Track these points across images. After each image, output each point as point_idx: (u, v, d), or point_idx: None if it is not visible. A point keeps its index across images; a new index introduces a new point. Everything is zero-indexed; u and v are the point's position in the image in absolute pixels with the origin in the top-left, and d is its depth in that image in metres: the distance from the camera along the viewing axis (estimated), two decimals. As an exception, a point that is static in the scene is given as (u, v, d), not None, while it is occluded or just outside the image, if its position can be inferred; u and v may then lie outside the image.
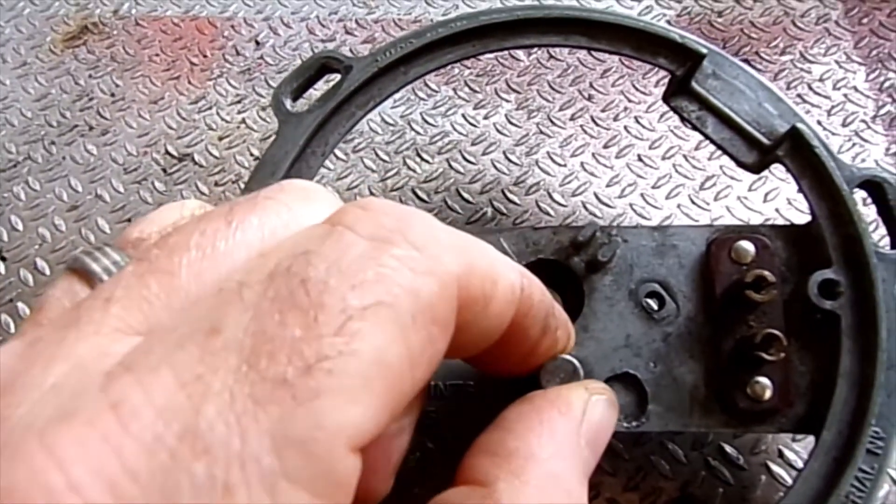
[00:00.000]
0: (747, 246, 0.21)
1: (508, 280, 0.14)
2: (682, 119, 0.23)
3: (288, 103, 0.25)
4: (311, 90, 0.28)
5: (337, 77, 0.26)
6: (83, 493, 0.09)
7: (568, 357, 0.19)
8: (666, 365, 0.21)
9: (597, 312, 0.22)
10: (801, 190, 0.21)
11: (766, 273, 0.20)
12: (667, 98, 0.23)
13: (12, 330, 0.32)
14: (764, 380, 0.20)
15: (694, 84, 0.22)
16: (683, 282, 0.22)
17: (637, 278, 0.22)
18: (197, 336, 0.10)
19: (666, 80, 0.38)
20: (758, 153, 0.22)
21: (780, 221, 0.32)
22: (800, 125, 0.21)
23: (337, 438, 0.10)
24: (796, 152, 0.21)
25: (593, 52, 0.38)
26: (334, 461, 0.10)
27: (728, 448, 0.26)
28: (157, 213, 0.15)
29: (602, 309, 0.22)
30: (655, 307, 0.22)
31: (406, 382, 0.11)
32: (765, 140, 0.22)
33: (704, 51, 0.22)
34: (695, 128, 0.23)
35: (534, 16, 0.23)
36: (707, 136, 0.23)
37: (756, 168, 0.22)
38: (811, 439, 0.21)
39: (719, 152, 0.35)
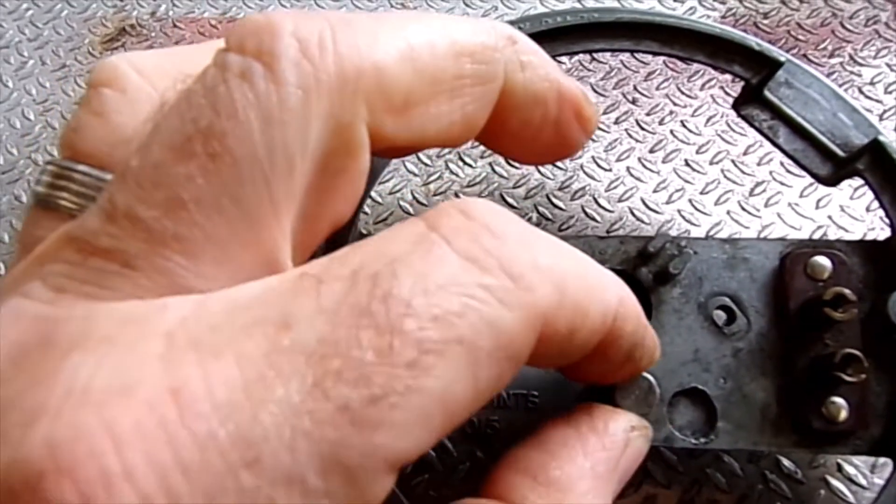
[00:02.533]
0: (824, 261, 0.20)
1: (601, 309, 0.13)
2: (754, 128, 0.22)
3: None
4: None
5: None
6: (136, 481, 0.08)
7: (644, 374, 0.19)
8: (736, 381, 0.21)
9: (665, 325, 0.21)
10: (881, 204, 0.21)
11: (847, 291, 0.19)
12: (737, 106, 0.23)
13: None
14: (840, 400, 0.20)
15: (766, 92, 0.22)
16: (755, 296, 0.21)
17: (707, 291, 0.21)
18: (266, 326, 0.10)
19: (711, 84, 0.37)
20: (832, 165, 0.22)
21: (833, 229, 0.31)
22: (881, 138, 0.21)
23: (384, 466, 0.10)
24: (877, 165, 0.21)
25: (637, 55, 0.38)
26: (376, 485, 0.10)
27: (785, 462, 0.26)
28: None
29: (670, 322, 0.21)
30: (725, 321, 0.21)
31: (466, 414, 0.11)
32: (840, 152, 0.22)
33: (782, 59, 0.22)
34: (766, 137, 0.22)
35: (605, 20, 0.22)
36: (779, 147, 0.22)
37: (831, 181, 0.22)
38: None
39: (768, 157, 0.34)
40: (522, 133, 0.15)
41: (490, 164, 0.35)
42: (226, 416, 0.09)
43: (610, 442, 0.16)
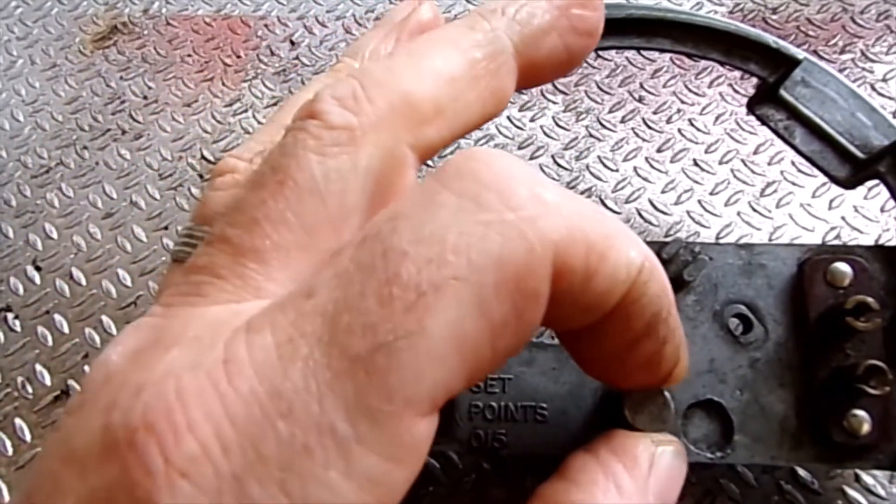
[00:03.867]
0: (844, 268, 0.19)
1: (624, 257, 0.12)
2: (770, 129, 0.21)
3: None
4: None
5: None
6: (197, 431, 0.10)
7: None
8: (753, 393, 0.20)
9: (678, 335, 0.20)
10: (903, 208, 0.20)
11: (870, 299, 0.18)
12: (752, 106, 0.22)
13: (49, 342, 0.31)
14: (862, 413, 0.19)
15: (782, 92, 0.21)
16: (773, 304, 0.20)
17: (722, 299, 0.21)
18: (296, 299, 0.11)
19: (720, 81, 0.36)
20: (851, 167, 0.21)
21: (847, 230, 0.31)
22: (905, 139, 0.20)
23: (406, 409, 0.11)
24: (901, 168, 0.20)
25: (643, 52, 0.37)
26: (404, 429, 0.11)
27: (801, 472, 0.25)
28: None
29: (685, 331, 0.20)
30: (742, 330, 0.20)
31: (486, 352, 0.11)
32: (859, 153, 0.21)
33: (800, 57, 0.21)
34: (782, 138, 0.21)
35: (614, 16, 0.21)
36: (795, 148, 0.21)
37: (849, 183, 0.21)
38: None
39: (779, 156, 0.33)
40: (556, 59, 0.16)
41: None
42: (264, 375, 0.10)
43: (631, 461, 0.15)
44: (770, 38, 0.21)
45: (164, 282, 0.17)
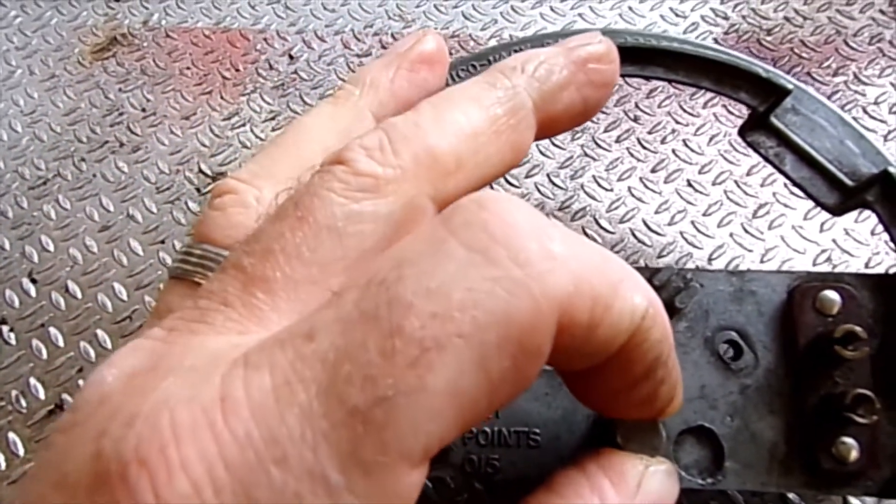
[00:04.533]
0: (833, 296, 0.20)
1: (628, 305, 0.12)
2: (760, 156, 0.22)
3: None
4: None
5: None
6: (189, 470, 0.10)
7: (650, 417, 0.18)
8: (743, 419, 0.20)
9: (669, 361, 0.21)
10: (891, 237, 0.20)
11: (858, 329, 0.18)
12: (743, 133, 0.22)
13: (44, 356, 0.31)
14: (850, 440, 0.19)
15: (773, 119, 0.21)
16: (763, 331, 0.21)
17: (713, 325, 0.21)
18: (296, 339, 0.11)
19: (714, 102, 0.37)
20: (840, 194, 0.21)
21: (837, 253, 0.31)
22: (891, 169, 0.20)
23: (400, 462, 0.10)
24: (888, 198, 0.20)
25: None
26: (395, 480, 0.11)
27: (790, 496, 0.25)
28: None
29: (676, 357, 0.21)
30: (732, 357, 0.21)
31: (482, 406, 0.11)
32: (847, 181, 0.21)
33: (790, 86, 0.21)
34: (773, 165, 0.22)
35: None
36: (785, 174, 0.22)
37: (838, 210, 0.21)
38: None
39: (772, 178, 0.34)
40: (574, 111, 0.17)
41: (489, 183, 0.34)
42: (260, 418, 0.10)
43: (619, 477, 0.15)
44: (760, 68, 0.21)
45: (162, 299, 0.18)
